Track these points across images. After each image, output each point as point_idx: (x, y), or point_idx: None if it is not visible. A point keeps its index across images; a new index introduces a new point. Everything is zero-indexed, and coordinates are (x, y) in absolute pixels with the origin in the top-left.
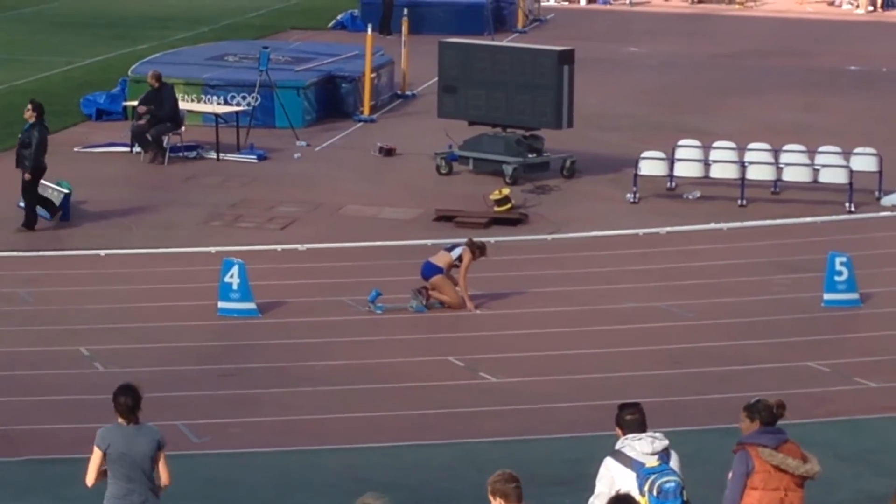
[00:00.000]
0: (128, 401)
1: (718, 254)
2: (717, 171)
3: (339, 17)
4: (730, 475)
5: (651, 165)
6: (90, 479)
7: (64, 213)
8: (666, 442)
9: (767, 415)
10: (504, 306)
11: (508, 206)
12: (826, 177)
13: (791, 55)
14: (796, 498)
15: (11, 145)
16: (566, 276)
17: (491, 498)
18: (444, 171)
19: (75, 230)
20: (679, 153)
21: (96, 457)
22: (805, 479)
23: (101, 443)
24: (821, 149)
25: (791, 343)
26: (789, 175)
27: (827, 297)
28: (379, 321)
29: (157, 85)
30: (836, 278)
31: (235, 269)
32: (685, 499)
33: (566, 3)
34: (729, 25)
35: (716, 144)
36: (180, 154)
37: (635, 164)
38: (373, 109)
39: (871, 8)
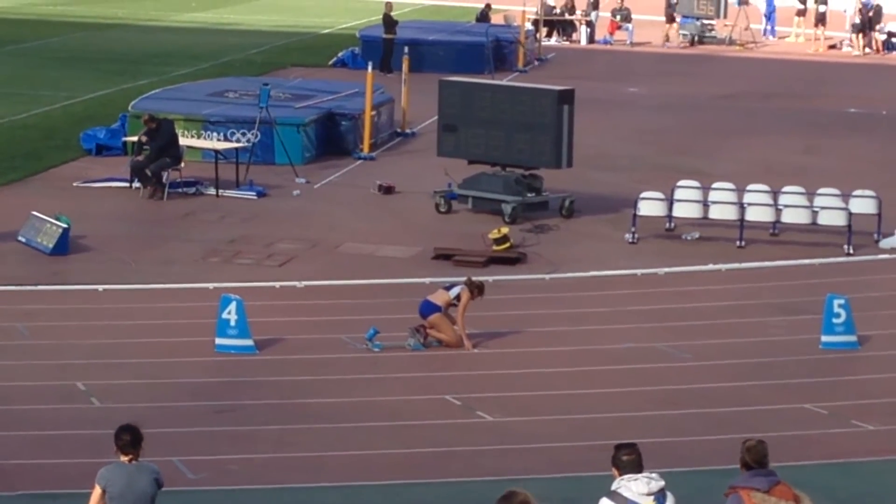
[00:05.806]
0: (128, 437)
1: (716, 295)
2: (715, 213)
3: (339, 54)
4: None
5: (650, 206)
6: None
7: (62, 247)
8: (662, 483)
9: (755, 457)
10: (502, 345)
11: (507, 245)
12: (825, 219)
13: (791, 97)
14: None
15: (12, 179)
16: (564, 316)
17: None
18: (443, 210)
19: (74, 265)
20: (678, 194)
21: (96, 494)
22: None
23: (100, 480)
24: (820, 191)
25: (788, 385)
26: (788, 217)
27: (825, 339)
28: (376, 359)
29: (153, 126)
30: (834, 320)
31: (233, 306)
32: None
33: (567, 43)
34: (729, 67)
35: (715, 185)
36: (179, 190)
37: (634, 205)
38: (372, 147)
39: (868, 50)
